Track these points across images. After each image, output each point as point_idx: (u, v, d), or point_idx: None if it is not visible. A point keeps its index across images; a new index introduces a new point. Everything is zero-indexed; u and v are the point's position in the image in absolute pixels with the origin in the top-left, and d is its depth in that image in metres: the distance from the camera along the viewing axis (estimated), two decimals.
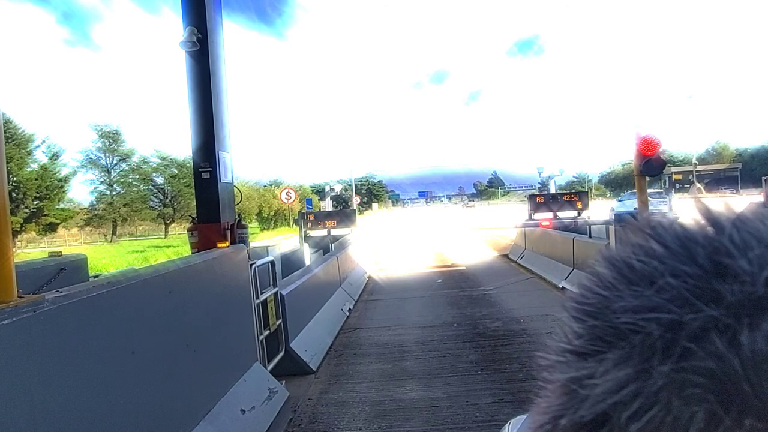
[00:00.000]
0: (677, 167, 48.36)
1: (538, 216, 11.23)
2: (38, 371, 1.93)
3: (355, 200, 39.56)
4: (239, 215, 5.44)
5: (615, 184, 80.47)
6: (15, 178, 33.08)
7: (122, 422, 2.43)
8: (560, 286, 8.48)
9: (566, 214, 11.08)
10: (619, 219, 7.00)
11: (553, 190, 14.46)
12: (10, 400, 1.80)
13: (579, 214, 11.06)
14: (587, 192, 14.03)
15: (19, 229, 33.36)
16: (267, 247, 6.46)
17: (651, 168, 6.16)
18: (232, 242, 4.83)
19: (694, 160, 48.33)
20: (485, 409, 3.90)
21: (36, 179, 34.64)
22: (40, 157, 36.85)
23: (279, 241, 17.06)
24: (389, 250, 16.88)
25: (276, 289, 4.96)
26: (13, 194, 32.61)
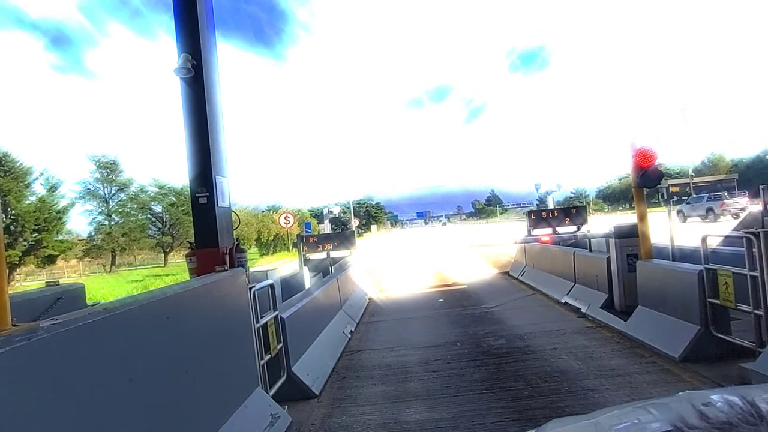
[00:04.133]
0: (674, 179, 48.52)
1: (537, 232, 11.21)
2: (33, 400, 1.89)
3: (354, 222, 39.56)
4: (237, 240, 5.41)
5: (612, 198, 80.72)
6: (13, 211, 33.07)
7: None
8: (563, 301, 8.41)
9: (566, 229, 11.08)
10: (619, 233, 6.97)
11: (551, 206, 14.48)
12: (4, 431, 1.75)
13: (578, 228, 11.05)
14: (585, 207, 14.03)
15: (17, 263, 33.16)
16: (266, 270, 6.41)
17: (648, 180, 6.16)
18: (231, 266, 4.79)
19: (690, 172, 48.54)
20: (491, 429, 3.82)
21: (34, 212, 34.58)
22: (39, 189, 36.92)
23: (278, 266, 16.98)
24: (389, 270, 16.80)
25: (276, 313, 4.90)
26: (12, 227, 32.54)
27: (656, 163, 6.19)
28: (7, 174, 33.06)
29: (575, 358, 5.39)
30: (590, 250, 8.72)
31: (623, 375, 4.71)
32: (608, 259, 7.18)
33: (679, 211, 26.73)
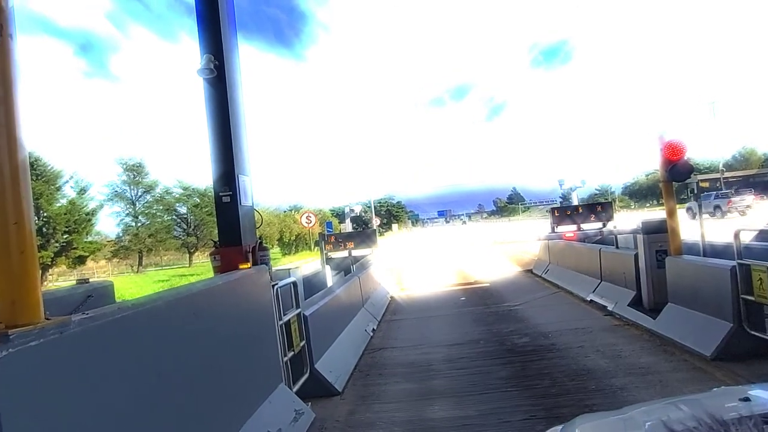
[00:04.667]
0: (704, 175, 47.23)
1: (561, 229, 11.04)
2: (65, 391, 1.93)
3: (375, 221, 39.63)
4: (260, 238, 5.46)
5: (639, 195, 78.88)
6: (45, 214, 34.08)
7: None
8: (588, 299, 8.26)
9: (590, 226, 10.88)
10: (647, 228, 6.80)
11: (575, 202, 14.23)
12: (35, 422, 1.79)
13: (604, 225, 10.84)
14: (611, 203, 13.75)
15: (49, 263, 34.17)
16: (289, 269, 6.46)
17: (677, 173, 5.99)
18: (254, 264, 4.84)
19: (720, 167, 47.15)
20: (518, 426, 3.76)
21: (65, 214, 35.58)
22: (69, 192, 37.96)
23: (301, 265, 17.12)
24: (410, 269, 16.76)
25: (299, 310, 4.93)
26: (44, 229, 33.52)
27: (686, 157, 6.01)
28: (39, 177, 34.07)
29: (603, 356, 5.28)
30: (617, 247, 8.54)
31: (653, 373, 4.59)
32: (636, 256, 7.01)
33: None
